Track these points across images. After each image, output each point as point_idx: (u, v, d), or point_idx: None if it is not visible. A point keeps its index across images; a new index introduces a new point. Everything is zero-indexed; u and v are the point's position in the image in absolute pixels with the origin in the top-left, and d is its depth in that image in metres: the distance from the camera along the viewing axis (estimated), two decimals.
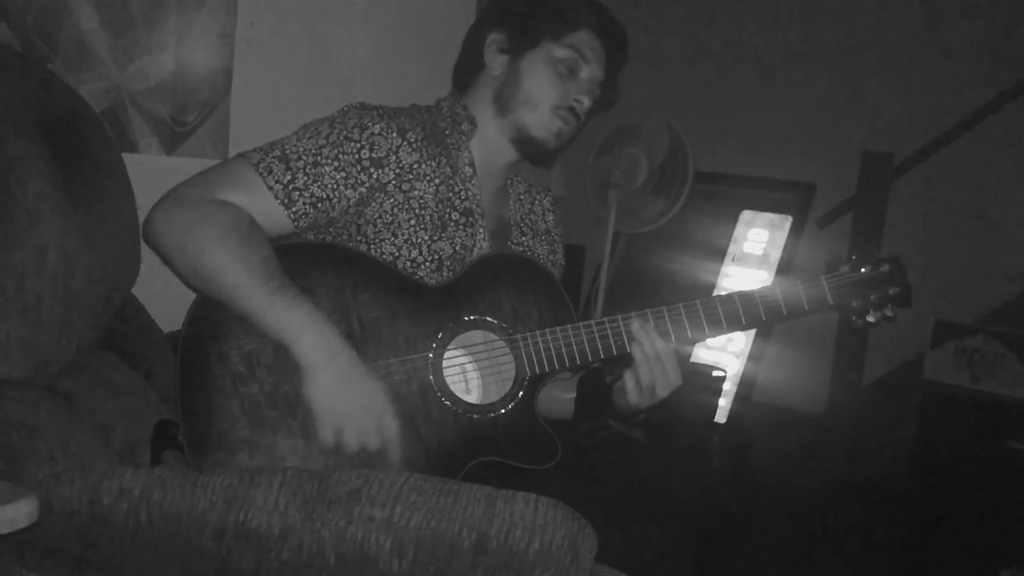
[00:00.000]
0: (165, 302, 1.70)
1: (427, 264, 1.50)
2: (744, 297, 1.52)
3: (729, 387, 3.36)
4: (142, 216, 1.45)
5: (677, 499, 1.57)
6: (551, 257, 1.73)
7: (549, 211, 1.78)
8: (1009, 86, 3.41)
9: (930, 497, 3.09)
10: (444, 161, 1.55)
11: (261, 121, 2.15)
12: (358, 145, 1.46)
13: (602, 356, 1.49)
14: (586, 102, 1.60)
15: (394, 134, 1.48)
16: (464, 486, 1.20)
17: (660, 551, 1.44)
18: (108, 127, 1.71)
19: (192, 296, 1.41)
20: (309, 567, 1.15)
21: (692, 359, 3.38)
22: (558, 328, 1.48)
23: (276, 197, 1.43)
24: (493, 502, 1.16)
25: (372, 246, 1.49)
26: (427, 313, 1.45)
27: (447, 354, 1.46)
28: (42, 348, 1.33)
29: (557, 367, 1.48)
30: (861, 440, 3.43)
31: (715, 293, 3.54)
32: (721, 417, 3.30)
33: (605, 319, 1.50)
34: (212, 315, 1.38)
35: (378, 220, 1.49)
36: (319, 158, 1.45)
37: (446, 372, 1.45)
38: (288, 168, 1.44)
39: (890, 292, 1.57)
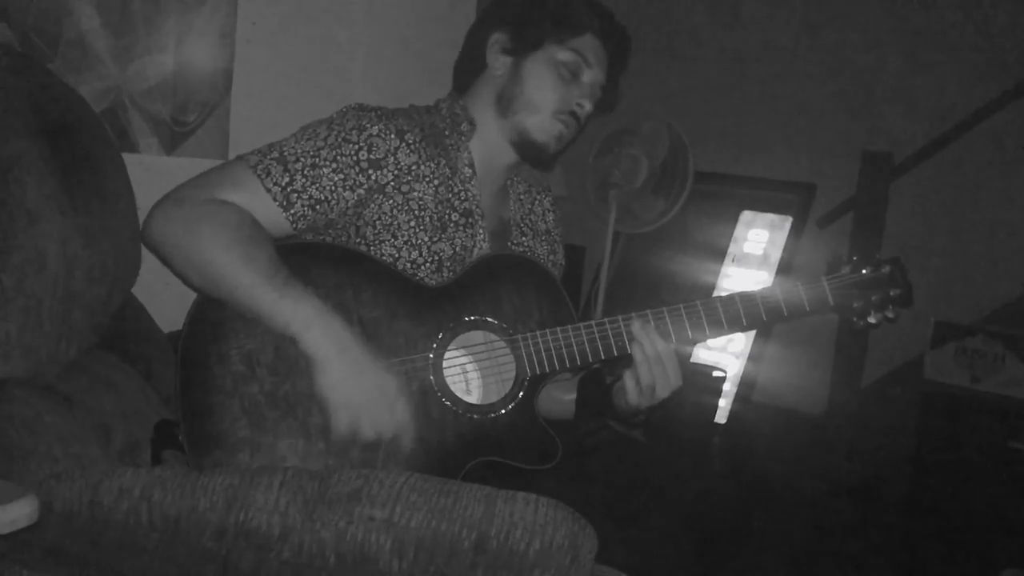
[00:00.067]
0: (165, 302, 1.70)
1: (427, 265, 1.50)
2: (745, 298, 1.52)
3: (729, 387, 3.36)
4: (142, 216, 1.45)
5: (677, 499, 1.57)
6: (551, 257, 1.73)
7: (549, 211, 1.78)
8: (1010, 86, 3.41)
9: (930, 497, 3.09)
10: (443, 162, 1.55)
11: (261, 121, 2.15)
12: (356, 147, 1.46)
13: (602, 357, 1.49)
14: (587, 106, 1.60)
15: (392, 135, 1.48)
16: (464, 486, 1.20)
17: (660, 551, 1.44)
18: (108, 127, 1.71)
19: (192, 296, 1.41)
20: (309, 567, 1.15)
21: (692, 359, 3.38)
22: (558, 328, 1.48)
23: (274, 199, 1.43)
24: (493, 502, 1.16)
25: (372, 248, 1.49)
26: (427, 313, 1.45)
27: (447, 354, 1.46)
28: (42, 348, 1.33)
29: (557, 367, 1.48)
30: (861, 440, 3.43)
31: (715, 293, 3.54)
32: (721, 417, 3.30)
33: (605, 320, 1.50)
34: (213, 315, 1.38)
35: (377, 222, 1.48)
36: (317, 160, 1.45)
37: (446, 372, 1.45)
38: (286, 170, 1.43)
39: (891, 293, 1.57)
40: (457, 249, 1.53)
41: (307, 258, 1.42)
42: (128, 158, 1.66)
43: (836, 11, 3.87)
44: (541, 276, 1.54)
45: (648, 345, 1.47)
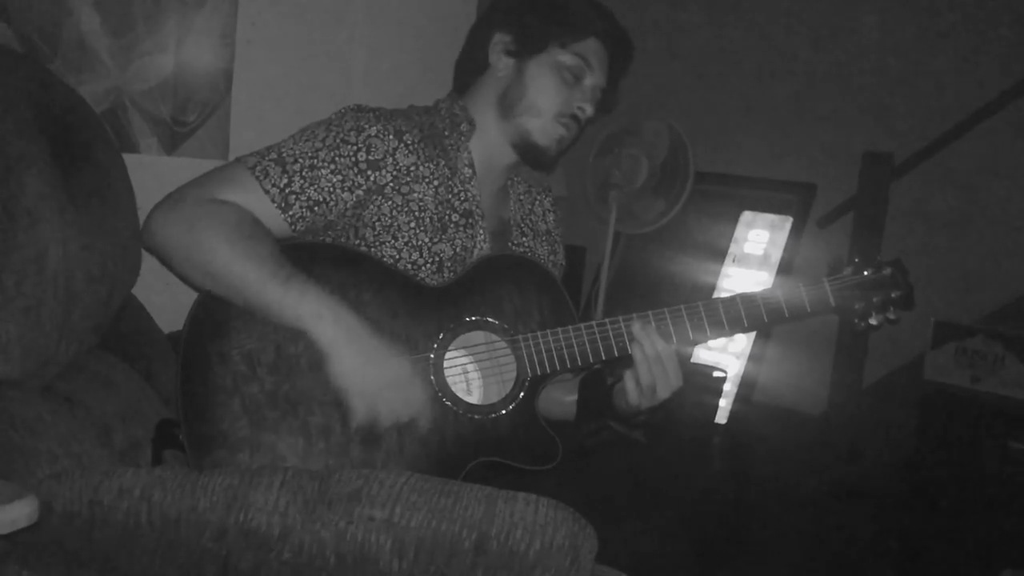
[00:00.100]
0: (165, 302, 1.71)
1: (428, 266, 1.50)
2: (746, 299, 1.52)
3: (730, 388, 3.36)
4: (142, 216, 1.45)
5: (677, 499, 1.57)
6: (551, 258, 1.73)
7: (550, 211, 1.77)
8: (1009, 87, 3.41)
9: (930, 497, 3.09)
10: (442, 163, 1.55)
11: (262, 121, 2.16)
12: (354, 148, 1.46)
13: (603, 357, 1.49)
14: (589, 110, 1.60)
15: (391, 136, 1.48)
16: (464, 486, 1.20)
17: (660, 551, 1.44)
18: (108, 127, 1.71)
19: (193, 296, 1.41)
20: (309, 567, 1.15)
21: (693, 360, 3.38)
22: (559, 329, 1.49)
23: (273, 201, 1.43)
24: (493, 502, 1.16)
25: (372, 249, 1.49)
26: (428, 313, 1.45)
27: (448, 355, 1.46)
28: (42, 348, 1.33)
29: (558, 368, 1.48)
30: (861, 441, 3.43)
31: (716, 294, 3.54)
32: (722, 418, 3.30)
33: (606, 320, 1.50)
34: (214, 314, 1.38)
35: (377, 223, 1.48)
36: (315, 161, 1.45)
37: (447, 373, 1.45)
38: (284, 171, 1.43)
39: (892, 295, 1.57)
40: (458, 250, 1.53)
41: (308, 258, 1.42)
42: (128, 158, 1.66)
43: (836, 11, 3.87)
44: (542, 276, 1.54)
45: (648, 345, 1.47)
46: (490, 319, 1.48)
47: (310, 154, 1.45)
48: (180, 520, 1.17)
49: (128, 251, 1.56)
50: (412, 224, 1.49)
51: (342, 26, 2.39)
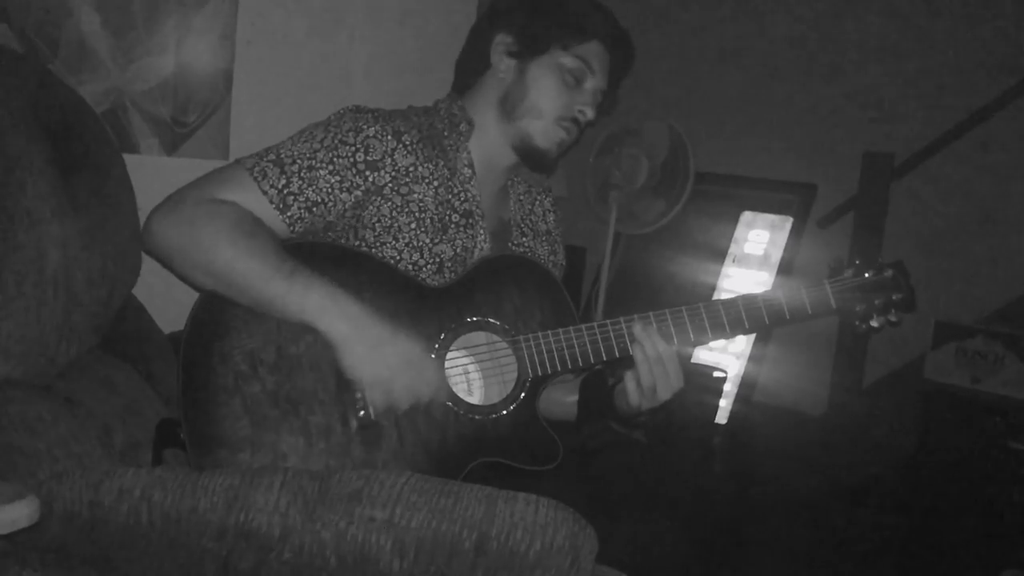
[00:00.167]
0: (166, 303, 1.70)
1: (428, 267, 1.50)
2: (747, 300, 1.52)
3: (730, 388, 3.36)
4: (143, 217, 1.45)
5: (678, 500, 1.56)
6: (552, 258, 1.73)
7: (550, 212, 1.77)
8: (1010, 87, 3.41)
9: (930, 498, 3.09)
10: (441, 163, 1.55)
11: (262, 122, 2.16)
12: (353, 148, 1.46)
13: (604, 358, 1.49)
14: (589, 113, 1.60)
15: (389, 136, 1.48)
16: (465, 487, 1.20)
17: (661, 552, 1.44)
18: (109, 128, 1.71)
19: (193, 296, 1.41)
20: (310, 568, 1.15)
21: (693, 360, 3.38)
22: (560, 330, 1.49)
23: (271, 202, 1.43)
24: (494, 503, 1.16)
25: (373, 250, 1.49)
26: (429, 314, 1.45)
27: (449, 355, 1.46)
28: (43, 349, 1.33)
29: (559, 369, 1.48)
30: (862, 441, 3.43)
31: (716, 294, 3.54)
32: (722, 418, 3.29)
33: (607, 321, 1.50)
34: (215, 314, 1.38)
35: (377, 224, 1.48)
36: (314, 162, 1.45)
37: (448, 373, 1.45)
38: (283, 172, 1.43)
39: (894, 297, 1.57)
40: (458, 250, 1.53)
41: (308, 258, 1.42)
42: (129, 159, 1.66)
43: (837, 11, 3.87)
44: (543, 277, 1.54)
45: (649, 346, 1.47)
46: (491, 320, 1.48)
47: (308, 155, 1.45)
48: (180, 520, 1.17)
49: (128, 251, 1.56)
50: (412, 225, 1.49)
51: (342, 26, 2.39)
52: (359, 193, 1.47)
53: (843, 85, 3.84)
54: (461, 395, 1.45)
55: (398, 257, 1.49)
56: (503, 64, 1.59)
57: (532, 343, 1.47)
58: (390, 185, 1.48)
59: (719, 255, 3.66)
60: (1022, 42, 3.52)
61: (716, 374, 3.07)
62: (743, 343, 3.47)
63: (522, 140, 1.58)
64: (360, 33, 2.41)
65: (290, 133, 1.50)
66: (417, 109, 1.63)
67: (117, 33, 2.07)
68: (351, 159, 1.46)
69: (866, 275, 1.57)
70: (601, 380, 1.62)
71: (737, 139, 3.95)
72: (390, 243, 1.48)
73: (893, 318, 1.58)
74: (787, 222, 3.57)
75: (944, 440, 3.21)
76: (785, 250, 3.51)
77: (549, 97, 1.56)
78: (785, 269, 3.48)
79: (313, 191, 1.44)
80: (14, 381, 1.29)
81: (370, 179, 1.47)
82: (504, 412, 1.46)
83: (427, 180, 1.51)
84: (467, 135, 1.60)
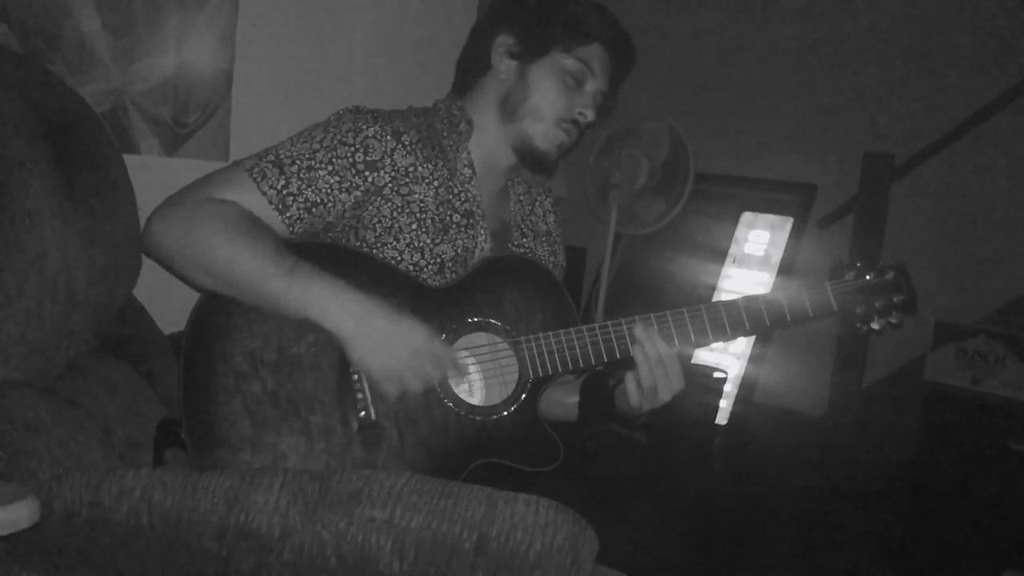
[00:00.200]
0: (166, 303, 1.70)
1: (430, 267, 1.50)
2: (748, 302, 1.52)
3: (730, 389, 3.36)
4: (143, 217, 1.45)
5: (678, 500, 1.57)
6: (552, 259, 1.73)
7: (550, 212, 1.77)
8: (1010, 87, 3.41)
9: (931, 498, 3.08)
10: (441, 163, 1.55)
11: (262, 122, 2.16)
12: (352, 149, 1.46)
13: (605, 359, 1.49)
14: (590, 115, 1.60)
15: (388, 137, 1.48)
16: (465, 487, 1.20)
17: (661, 552, 1.44)
18: (109, 128, 1.71)
19: (193, 296, 1.41)
20: (310, 568, 1.15)
21: (693, 360, 3.38)
22: (561, 331, 1.49)
23: (270, 202, 1.43)
24: (494, 503, 1.16)
25: (374, 251, 1.49)
26: (431, 314, 1.45)
27: None
28: (43, 350, 1.33)
29: (560, 370, 1.48)
30: (862, 441, 3.43)
31: (716, 294, 3.54)
32: (722, 419, 3.30)
33: (608, 322, 1.49)
34: (216, 314, 1.38)
35: (378, 225, 1.48)
36: (313, 163, 1.45)
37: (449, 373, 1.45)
38: (282, 173, 1.43)
39: (895, 299, 1.57)
40: (459, 250, 1.53)
41: (309, 259, 1.42)
42: (129, 159, 1.66)
43: (837, 12, 3.87)
44: (544, 278, 1.54)
45: (650, 347, 1.47)
46: (492, 320, 1.48)
47: (307, 155, 1.45)
48: (181, 521, 1.17)
49: (128, 252, 1.56)
50: (413, 225, 1.49)
51: (342, 27, 2.39)
52: (358, 194, 1.47)
53: (843, 85, 3.83)
54: (462, 396, 1.45)
55: (399, 258, 1.49)
56: (504, 65, 1.59)
57: (533, 344, 1.47)
58: (390, 185, 1.48)
59: (719, 255, 3.66)
60: (1022, 42, 3.52)
61: (716, 375, 3.07)
62: (743, 344, 3.47)
63: (522, 142, 1.58)
64: (360, 34, 2.41)
65: (290, 134, 1.50)
66: (416, 110, 1.63)
67: (117, 33, 2.07)
68: (350, 159, 1.46)
69: (867, 277, 1.56)
70: (602, 381, 1.62)
71: (737, 139, 3.95)
72: (391, 243, 1.48)
73: (894, 320, 1.57)
74: (787, 222, 3.57)
75: (944, 441, 3.21)
76: (785, 251, 3.52)
77: (549, 99, 1.56)
78: (785, 270, 3.48)
79: (312, 192, 1.44)
80: (14, 382, 1.29)
81: (369, 179, 1.47)
82: (505, 413, 1.46)
83: (427, 180, 1.51)
84: (466, 135, 1.60)
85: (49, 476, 1.20)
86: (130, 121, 2.13)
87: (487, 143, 1.61)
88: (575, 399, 1.67)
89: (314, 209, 1.45)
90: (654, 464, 1.68)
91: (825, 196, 3.62)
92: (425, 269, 1.50)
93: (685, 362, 1.54)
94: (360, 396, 1.39)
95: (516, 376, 1.47)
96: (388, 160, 1.48)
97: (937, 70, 3.64)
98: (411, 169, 1.49)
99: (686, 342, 1.50)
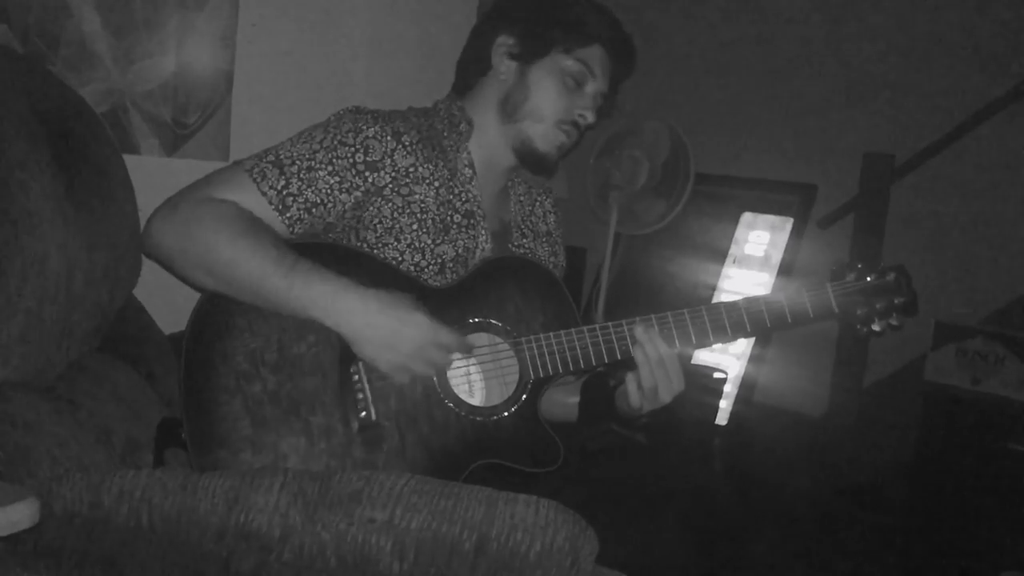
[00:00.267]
0: (166, 304, 1.70)
1: (430, 268, 1.50)
2: (749, 303, 1.52)
3: (730, 389, 3.36)
4: (143, 218, 1.45)
5: (678, 501, 1.56)
6: (552, 259, 1.73)
7: (550, 213, 1.77)
8: (1011, 88, 3.41)
9: (930, 499, 3.08)
10: (442, 164, 1.55)
11: (262, 123, 2.16)
12: (352, 149, 1.46)
13: (606, 360, 1.49)
14: (590, 117, 1.60)
15: (389, 137, 1.48)
16: (465, 488, 1.20)
17: (661, 553, 1.44)
18: (109, 129, 1.71)
19: (193, 297, 1.41)
20: (310, 569, 1.15)
21: (693, 361, 3.38)
22: (562, 332, 1.48)
23: (270, 203, 1.43)
24: (494, 504, 1.16)
25: (375, 251, 1.49)
26: (431, 315, 1.45)
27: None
28: (43, 350, 1.33)
29: (561, 370, 1.48)
30: (862, 442, 3.43)
31: (716, 295, 3.54)
32: (722, 419, 3.29)
33: (609, 323, 1.49)
34: (217, 314, 1.38)
35: (379, 225, 1.48)
36: (313, 163, 1.45)
37: (450, 374, 1.45)
38: (282, 174, 1.43)
39: (895, 301, 1.57)
40: (460, 251, 1.53)
41: (311, 259, 1.42)
42: (129, 160, 1.66)
43: (837, 12, 3.87)
44: (545, 278, 1.54)
45: (650, 348, 1.47)
46: (493, 321, 1.48)
47: (307, 156, 1.45)
48: (181, 522, 1.17)
49: (128, 252, 1.57)
50: (414, 226, 1.49)
51: (343, 28, 2.39)
52: (359, 194, 1.47)
53: (844, 85, 3.83)
54: (462, 396, 1.45)
55: (400, 258, 1.49)
56: (504, 66, 1.59)
57: (534, 345, 1.47)
58: (390, 186, 1.48)
59: (719, 256, 3.66)
60: (1022, 42, 3.52)
61: (716, 375, 3.07)
62: (743, 344, 3.47)
63: (522, 142, 1.58)
64: (360, 35, 2.41)
65: (290, 134, 1.50)
66: (417, 110, 1.63)
67: (118, 34, 2.08)
68: (350, 160, 1.46)
69: (868, 279, 1.56)
70: (602, 382, 1.62)
71: (737, 140, 3.95)
72: (392, 244, 1.48)
73: (895, 322, 1.57)
74: (787, 223, 3.57)
75: (944, 441, 3.21)
76: (786, 251, 3.51)
77: (549, 100, 1.56)
78: (786, 270, 3.47)
79: (312, 192, 1.44)
80: (14, 382, 1.29)
81: (370, 180, 1.47)
82: (506, 414, 1.46)
83: (427, 181, 1.51)
84: (467, 136, 1.60)
85: (49, 477, 1.20)
86: (130, 121, 2.13)
87: (487, 144, 1.61)
88: (575, 399, 1.67)
89: (314, 210, 1.45)
90: (654, 464, 1.67)
91: (825, 196, 3.62)
92: (426, 270, 1.50)
93: (685, 363, 1.54)
94: (361, 396, 1.39)
95: (517, 377, 1.47)
96: (388, 160, 1.48)
97: (937, 70, 3.64)
98: (412, 169, 1.49)
99: (686, 343, 1.50)
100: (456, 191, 1.55)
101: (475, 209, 1.57)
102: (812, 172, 3.66)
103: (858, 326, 1.58)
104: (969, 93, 3.51)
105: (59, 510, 1.18)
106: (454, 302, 1.47)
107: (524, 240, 1.69)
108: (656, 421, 1.59)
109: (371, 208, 1.48)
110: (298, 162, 1.44)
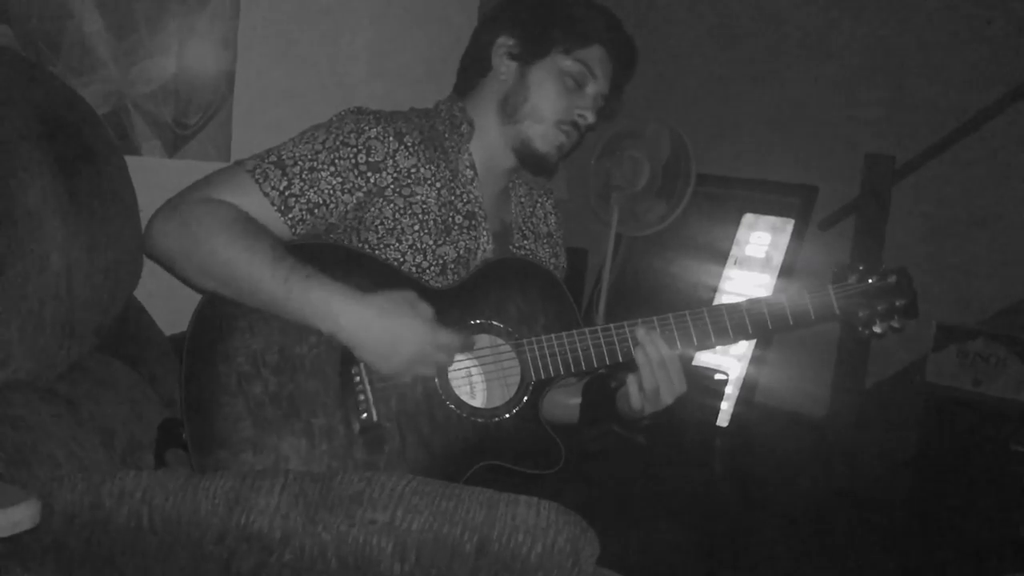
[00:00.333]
0: (167, 305, 1.70)
1: (432, 269, 1.50)
2: (750, 305, 1.51)
3: (731, 390, 3.36)
4: (144, 219, 1.45)
5: (679, 502, 1.56)
6: (553, 260, 1.73)
7: (551, 214, 1.77)
8: (1010, 89, 3.41)
9: (932, 500, 3.08)
10: (443, 164, 1.54)
11: (264, 124, 2.16)
12: (354, 150, 1.46)
13: (607, 362, 1.49)
14: (590, 117, 1.59)
15: (391, 138, 1.48)
16: (466, 489, 1.20)
17: (662, 554, 1.44)
18: (110, 130, 1.71)
19: (194, 298, 1.41)
20: (311, 570, 1.15)
21: (694, 362, 3.38)
22: (564, 333, 1.48)
23: (272, 203, 1.42)
24: (495, 505, 1.16)
25: (376, 252, 1.49)
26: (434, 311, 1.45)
27: None
28: (44, 351, 1.33)
29: (562, 372, 1.48)
30: (863, 443, 3.43)
31: (717, 296, 3.54)
32: (723, 420, 3.29)
33: (611, 325, 1.49)
34: (219, 315, 1.38)
35: (380, 226, 1.48)
36: (315, 163, 1.44)
37: (451, 376, 1.45)
38: (284, 174, 1.43)
39: (897, 303, 1.56)
40: (461, 252, 1.53)
41: (314, 259, 1.42)
42: (130, 161, 1.66)
43: (838, 14, 3.87)
44: (547, 280, 1.54)
45: (652, 350, 1.47)
46: (495, 322, 1.48)
47: (310, 156, 1.45)
48: (181, 523, 1.17)
49: (130, 254, 1.56)
50: (416, 227, 1.49)
51: (344, 28, 2.39)
52: (361, 194, 1.47)
53: (845, 87, 3.83)
54: (464, 397, 1.45)
55: (401, 259, 1.48)
56: (504, 66, 1.59)
57: (535, 346, 1.47)
58: (392, 187, 1.48)
59: (721, 257, 3.66)
60: (1022, 44, 3.52)
61: (717, 376, 3.07)
62: (745, 345, 3.47)
63: (522, 143, 1.58)
64: (362, 35, 2.41)
65: (292, 135, 1.50)
66: (418, 111, 1.63)
67: (119, 35, 2.08)
68: (352, 160, 1.46)
69: (869, 281, 1.56)
70: (604, 383, 1.62)
71: (739, 141, 3.95)
72: (393, 245, 1.48)
73: (896, 324, 1.57)
74: (788, 224, 3.57)
75: (945, 442, 3.21)
76: (787, 252, 3.52)
77: (549, 100, 1.56)
78: (786, 271, 3.47)
79: (315, 192, 1.44)
80: (15, 383, 1.29)
81: (372, 180, 1.47)
82: (507, 415, 1.46)
83: (429, 182, 1.51)
84: (468, 136, 1.60)
85: (50, 478, 1.20)
86: (132, 122, 2.13)
87: (488, 144, 1.61)
88: (577, 401, 1.67)
89: (316, 210, 1.45)
90: (655, 466, 1.67)
91: (826, 198, 3.62)
92: (427, 271, 1.49)
93: (686, 364, 1.53)
94: (362, 397, 1.39)
95: (518, 378, 1.47)
96: (390, 161, 1.48)
97: (938, 71, 3.64)
98: (413, 170, 1.49)
99: (688, 344, 1.50)
100: (458, 192, 1.55)
101: (476, 210, 1.57)
102: (813, 173, 3.66)
103: (860, 328, 1.57)
104: (970, 94, 3.51)
105: (60, 511, 1.18)
106: (455, 303, 1.47)
107: (525, 241, 1.69)
108: (657, 423, 1.59)
109: (373, 209, 1.48)
110: (300, 162, 1.44)
